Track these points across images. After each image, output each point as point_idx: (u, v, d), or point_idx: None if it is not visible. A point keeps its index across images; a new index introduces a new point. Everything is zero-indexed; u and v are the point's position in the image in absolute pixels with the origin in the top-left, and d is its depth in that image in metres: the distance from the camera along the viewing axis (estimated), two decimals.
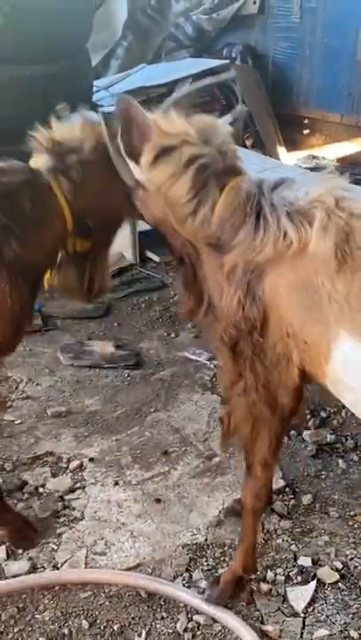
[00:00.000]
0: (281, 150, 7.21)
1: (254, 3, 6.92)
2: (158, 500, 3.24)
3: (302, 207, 2.34)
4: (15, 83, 4.85)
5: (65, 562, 2.93)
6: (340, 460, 3.46)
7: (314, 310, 2.26)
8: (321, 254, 2.25)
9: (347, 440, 3.60)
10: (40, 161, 2.69)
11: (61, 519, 3.15)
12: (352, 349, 2.22)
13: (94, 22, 5.55)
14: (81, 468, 3.44)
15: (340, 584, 2.84)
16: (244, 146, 6.26)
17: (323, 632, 2.65)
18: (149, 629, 2.66)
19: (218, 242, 2.46)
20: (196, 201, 2.47)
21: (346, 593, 2.80)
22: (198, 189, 2.46)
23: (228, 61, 5.86)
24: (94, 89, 5.76)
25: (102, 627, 2.68)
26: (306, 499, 3.23)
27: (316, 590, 2.81)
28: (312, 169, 6.26)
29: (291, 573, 2.88)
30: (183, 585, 2.82)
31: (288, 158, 7.27)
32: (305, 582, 2.84)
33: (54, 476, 3.38)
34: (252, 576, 2.84)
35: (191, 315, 2.77)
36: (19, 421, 3.75)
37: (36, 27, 4.80)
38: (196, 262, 2.62)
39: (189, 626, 2.67)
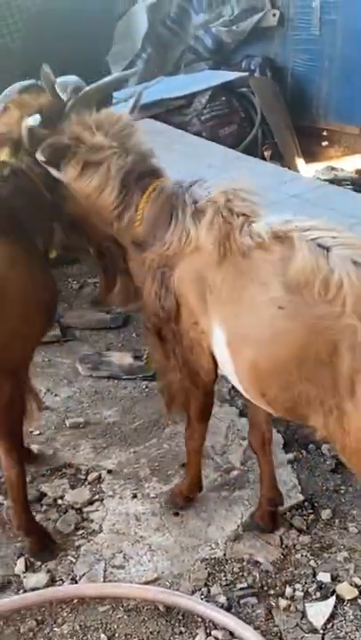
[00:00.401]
0: (299, 162, 7.21)
1: (274, 15, 6.94)
2: (177, 514, 3.24)
3: (201, 206, 2.62)
4: None
5: (83, 575, 2.93)
6: None
7: (202, 301, 2.58)
8: (207, 249, 2.55)
9: None
10: None
11: (80, 532, 3.15)
12: (218, 335, 2.56)
13: (114, 34, 5.58)
14: (99, 480, 3.44)
15: (359, 600, 2.82)
16: (263, 157, 6.25)
17: None
18: None
19: (142, 241, 2.74)
20: (122, 207, 2.74)
21: None
22: (123, 196, 2.73)
23: (247, 74, 5.87)
24: (113, 100, 5.77)
25: None
26: (325, 514, 3.22)
27: (335, 606, 2.79)
28: (331, 181, 6.25)
29: (310, 589, 2.87)
30: (201, 599, 2.81)
31: (307, 170, 7.26)
32: (324, 598, 2.83)
33: (73, 487, 3.39)
34: (271, 591, 2.84)
35: (107, 299, 3.24)
36: (37, 432, 3.76)
37: (54, 41, 4.81)
38: (118, 257, 2.95)
39: None
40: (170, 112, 5.64)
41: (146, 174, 2.76)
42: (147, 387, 4.16)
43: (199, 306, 2.61)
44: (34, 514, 3.17)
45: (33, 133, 2.74)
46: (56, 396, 4.07)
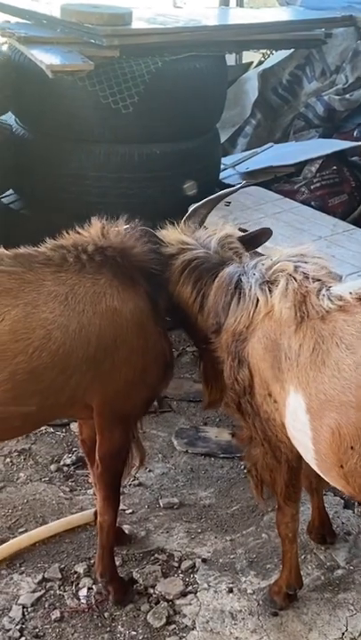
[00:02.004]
0: None
1: None
2: (275, 614, 3.01)
3: (270, 276, 2.66)
4: (145, 160, 4.85)
5: None
6: None
7: (275, 369, 2.55)
8: (281, 315, 2.55)
9: None
10: None
11: (171, 627, 2.96)
12: (295, 401, 2.48)
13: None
14: (193, 569, 3.24)
15: None
16: None
17: None
18: None
19: (216, 327, 2.78)
20: (200, 298, 2.86)
21: None
22: (198, 288, 2.85)
23: (359, 143, 5.72)
24: (221, 167, 5.72)
25: None
26: None
27: None
28: None
29: None
30: None
31: None
32: None
33: (165, 576, 3.20)
34: None
35: (211, 405, 3.20)
36: (130, 510, 3.60)
37: (167, 109, 4.80)
38: (210, 354, 2.93)
39: None
40: (278, 180, 5.53)
41: (219, 264, 2.86)
42: (245, 467, 3.94)
43: (272, 374, 2.57)
44: None
45: None
46: (150, 471, 3.91)
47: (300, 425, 2.51)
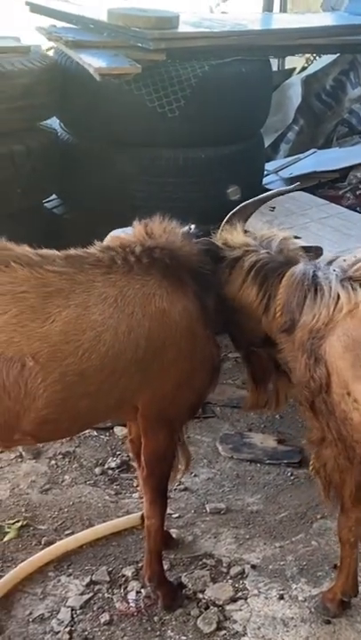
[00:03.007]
0: None
1: None
2: (328, 622, 2.94)
3: (353, 273, 2.62)
4: (190, 165, 4.83)
5: None
6: None
7: (357, 367, 2.48)
8: None
9: None
10: None
11: (222, 632, 2.91)
12: None
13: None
14: (243, 575, 3.19)
15: None
16: None
17: None
18: None
19: (289, 325, 2.71)
20: (266, 300, 2.79)
21: None
22: (264, 289, 2.78)
23: None
24: (264, 172, 5.69)
25: None
26: None
27: None
28: None
29: None
30: None
31: None
32: None
33: (214, 581, 3.15)
34: None
35: (255, 407, 3.14)
36: (176, 515, 3.56)
37: (212, 113, 4.78)
38: (268, 353, 2.93)
39: None
40: (322, 185, 5.49)
41: (283, 264, 2.81)
42: (292, 474, 3.89)
43: (353, 374, 2.51)
44: None
45: None
46: (195, 476, 3.87)
47: None
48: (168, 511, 3.52)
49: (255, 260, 2.82)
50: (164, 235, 2.86)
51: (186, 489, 3.76)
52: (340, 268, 2.69)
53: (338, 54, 6.39)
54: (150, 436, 2.94)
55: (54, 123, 5.20)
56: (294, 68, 7.17)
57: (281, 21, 6.01)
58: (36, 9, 5.40)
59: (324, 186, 5.51)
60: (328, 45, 5.44)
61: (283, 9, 7.55)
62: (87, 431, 4.08)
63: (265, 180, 5.66)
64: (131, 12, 4.71)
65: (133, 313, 2.66)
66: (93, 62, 4.27)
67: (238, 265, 2.85)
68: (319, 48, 5.72)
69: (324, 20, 5.98)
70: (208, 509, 3.61)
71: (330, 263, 2.74)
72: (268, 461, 4.00)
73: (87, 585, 3.13)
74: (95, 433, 4.13)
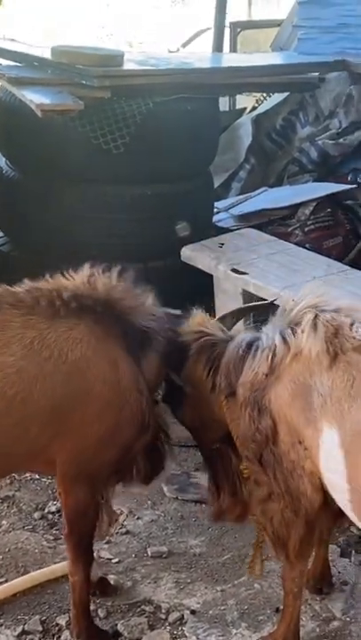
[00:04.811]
0: None
1: None
2: None
3: (293, 318, 2.59)
4: (136, 202, 4.80)
5: None
6: None
7: (307, 411, 2.43)
8: (311, 354, 2.45)
9: None
10: None
11: None
12: (329, 438, 2.37)
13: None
14: (181, 621, 3.07)
15: None
16: None
17: None
18: None
19: (229, 388, 2.71)
20: (212, 372, 2.78)
21: None
22: (211, 363, 2.79)
23: (355, 186, 5.67)
24: (215, 210, 5.67)
25: None
26: None
27: None
28: None
29: None
30: None
31: None
32: None
33: (152, 628, 3.03)
34: None
35: (221, 515, 3.09)
36: (116, 560, 3.44)
37: (158, 150, 4.76)
38: (231, 452, 2.90)
39: None
40: (272, 222, 5.46)
41: (227, 340, 2.82)
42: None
43: (303, 419, 2.46)
44: None
45: None
46: (138, 519, 3.75)
47: (334, 464, 2.41)
48: (108, 556, 3.44)
49: (204, 341, 2.84)
50: (106, 286, 2.78)
51: (128, 532, 3.65)
52: (278, 320, 2.67)
53: (287, 93, 6.42)
54: (70, 493, 2.83)
55: None
56: (245, 108, 7.20)
57: (229, 60, 6.05)
58: None
59: (274, 223, 5.48)
60: (275, 84, 5.47)
61: (232, 49, 7.63)
62: (28, 475, 3.96)
63: (216, 218, 5.63)
64: (75, 50, 4.71)
65: (51, 357, 2.57)
66: (36, 99, 4.23)
67: (192, 347, 2.85)
68: (267, 86, 5.74)
69: (272, 59, 6.03)
70: (150, 553, 3.49)
71: (270, 323, 2.72)
72: None
73: (18, 635, 3.00)
74: (37, 476, 4.00)
